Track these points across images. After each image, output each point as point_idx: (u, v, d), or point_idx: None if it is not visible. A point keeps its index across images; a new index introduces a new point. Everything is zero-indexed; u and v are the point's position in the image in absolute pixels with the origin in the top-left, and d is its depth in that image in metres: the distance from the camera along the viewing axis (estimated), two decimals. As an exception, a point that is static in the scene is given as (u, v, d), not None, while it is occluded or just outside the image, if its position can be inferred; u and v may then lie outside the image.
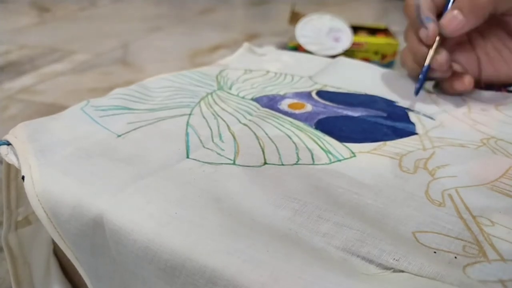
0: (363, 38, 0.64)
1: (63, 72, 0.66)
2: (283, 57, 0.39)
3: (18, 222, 0.24)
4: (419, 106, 0.30)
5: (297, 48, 0.63)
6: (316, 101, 0.30)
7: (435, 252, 0.16)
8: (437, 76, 0.31)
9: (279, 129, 0.25)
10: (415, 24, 0.31)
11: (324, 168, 0.21)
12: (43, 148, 0.21)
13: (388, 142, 0.24)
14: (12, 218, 0.24)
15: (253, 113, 0.27)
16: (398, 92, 0.32)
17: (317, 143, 0.24)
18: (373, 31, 0.70)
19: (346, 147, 0.23)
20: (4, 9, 1.12)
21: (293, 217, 0.17)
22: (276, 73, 0.35)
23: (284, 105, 0.29)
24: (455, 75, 0.31)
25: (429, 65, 0.30)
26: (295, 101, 0.29)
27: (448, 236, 0.17)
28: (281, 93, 0.31)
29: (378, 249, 0.16)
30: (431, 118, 0.28)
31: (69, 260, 0.20)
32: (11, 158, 0.21)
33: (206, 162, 0.21)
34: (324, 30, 0.63)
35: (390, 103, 0.30)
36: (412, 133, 0.26)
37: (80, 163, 0.20)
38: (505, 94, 0.31)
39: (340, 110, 0.28)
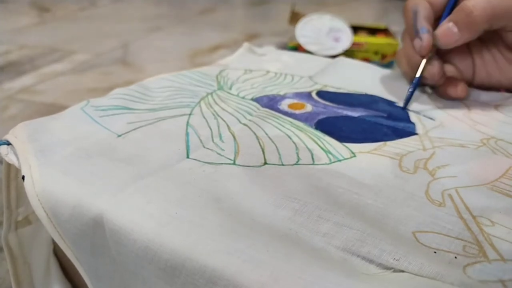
0: (363, 38, 0.64)
1: (63, 72, 0.66)
2: (283, 57, 0.39)
3: (18, 222, 0.24)
4: (419, 106, 0.30)
5: (297, 48, 0.63)
6: (316, 101, 0.30)
7: (435, 252, 0.16)
8: (429, 83, 0.31)
9: (279, 129, 0.25)
10: (411, 31, 0.31)
11: (324, 168, 0.21)
12: (43, 148, 0.21)
13: (388, 142, 0.24)
14: (12, 218, 0.24)
15: (253, 113, 0.27)
16: (398, 92, 0.32)
17: (317, 143, 0.24)
18: (373, 31, 0.70)
19: (346, 147, 0.23)
20: (4, 9, 1.12)
21: (293, 217, 0.17)
22: (276, 73, 0.35)
23: (284, 105, 0.29)
24: (449, 81, 0.31)
25: (420, 77, 0.30)
26: (295, 101, 0.29)
27: (448, 236, 0.17)
28: (281, 93, 0.31)
29: (378, 249, 0.16)
30: (431, 118, 0.28)
31: (69, 260, 0.20)
32: (11, 158, 0.21)
33: (206, 162, 0.21)
34: (324, 30, 0.63)
35: (390, 103, 0.30)
36: (412, 133, 0.26)
37: (80, 163, 0.20)
38: (505, 94, 0.31)
39: (340, 110, 0.28)
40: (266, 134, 0.24)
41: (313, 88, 0.32)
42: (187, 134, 0.24)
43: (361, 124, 0.27)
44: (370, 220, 0.17)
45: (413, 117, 0.28)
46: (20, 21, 1.00)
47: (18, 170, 0.22)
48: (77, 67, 0.69)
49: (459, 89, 0.30)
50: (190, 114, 0.26)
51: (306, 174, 0.21)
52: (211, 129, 0.25)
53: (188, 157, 0.22)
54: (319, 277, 0.14)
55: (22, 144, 0.21)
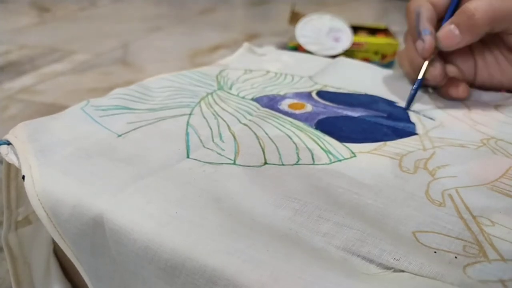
0: (363, 38, 0.64)
1: (63, 72, 0.66)
2: (283, 57, 0.39)
3: (18, 222, 0.24)
4: (419, 106, 0.30)
5: (297, 48, 0.63)
6: (316, 101, 0.30)
7: (435, 252, 0.16)
8: (431, 84, 0.31)
9: (279, 129, 0.25)
10: (414, 32, 0.31)
11: (324, 168, 0.21)
12: (43, 148, 0.21)
13: (388, 142, 0.24)
14: (12, 218, 0.24)
15: (253, 113, 0.27)
16: (398, 92, 0.32)
17: (317, 143, 0.24)
18: (373, 31, 0.70)
19: (346, 147, 0.23)
20: (4, 9, 1.12)
21: (293, 217, 0.17)
22: (276, 73, 0.35)
23: (284, 105, 0.29)
24: (450, 81, 0.31)
25: (422, 79, 0.30)
26: (295, 101, 0.29)
27: (448, 236, 0.17)
28: (281, 93, 0.31)
29: (379, 249, 0.16)
30: (431, 118, 0.28)
31: (69, 260, 0.20)
32: (11, 158, 0.21)
33: (206, 162, 0.21)
34: (324, 30, 0.63)
35: (390, 103, 0.30)
36: (412, 133, 0.26)
37: (80, 163, 0.20)
38: (505, 94, 0.31)
39: (340, 110, 0.28)
40: (266, 134, 0.24)
41: (313, 88, 0.32)
42: (187, 134, 0.24)
43: (361, 124, 0.27)
44: (370, 220, 0.17)
45: (413, 117, 0.28)
46: (20, 21, 1.00)
47: (18, 170, 0.22)
48: (77, 67, 0.69)
49: (461, 90, 0.30)
50: (190, 114, 0.26)
51: (306, 174, 0.21)
52: (211, 129, 0.25)
53: (188, 157, 0.22)
54: (319, 277, 0.14)
55: (22, 144, 0.21)
